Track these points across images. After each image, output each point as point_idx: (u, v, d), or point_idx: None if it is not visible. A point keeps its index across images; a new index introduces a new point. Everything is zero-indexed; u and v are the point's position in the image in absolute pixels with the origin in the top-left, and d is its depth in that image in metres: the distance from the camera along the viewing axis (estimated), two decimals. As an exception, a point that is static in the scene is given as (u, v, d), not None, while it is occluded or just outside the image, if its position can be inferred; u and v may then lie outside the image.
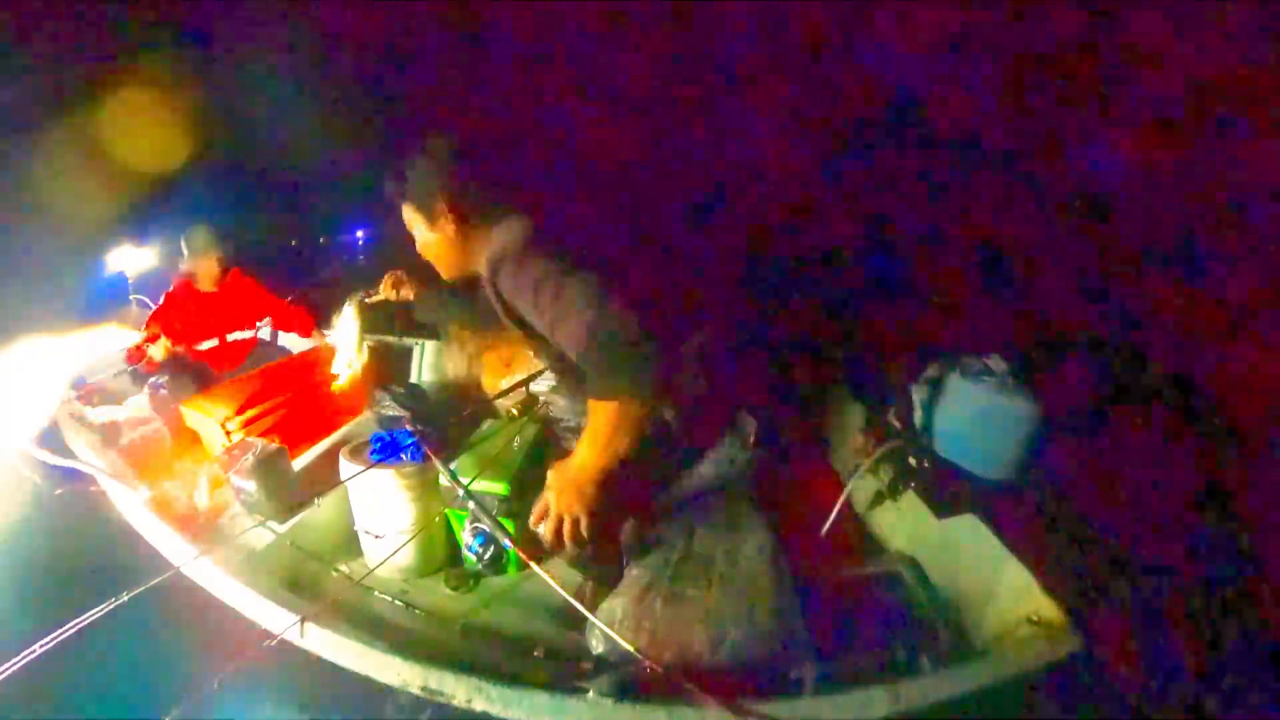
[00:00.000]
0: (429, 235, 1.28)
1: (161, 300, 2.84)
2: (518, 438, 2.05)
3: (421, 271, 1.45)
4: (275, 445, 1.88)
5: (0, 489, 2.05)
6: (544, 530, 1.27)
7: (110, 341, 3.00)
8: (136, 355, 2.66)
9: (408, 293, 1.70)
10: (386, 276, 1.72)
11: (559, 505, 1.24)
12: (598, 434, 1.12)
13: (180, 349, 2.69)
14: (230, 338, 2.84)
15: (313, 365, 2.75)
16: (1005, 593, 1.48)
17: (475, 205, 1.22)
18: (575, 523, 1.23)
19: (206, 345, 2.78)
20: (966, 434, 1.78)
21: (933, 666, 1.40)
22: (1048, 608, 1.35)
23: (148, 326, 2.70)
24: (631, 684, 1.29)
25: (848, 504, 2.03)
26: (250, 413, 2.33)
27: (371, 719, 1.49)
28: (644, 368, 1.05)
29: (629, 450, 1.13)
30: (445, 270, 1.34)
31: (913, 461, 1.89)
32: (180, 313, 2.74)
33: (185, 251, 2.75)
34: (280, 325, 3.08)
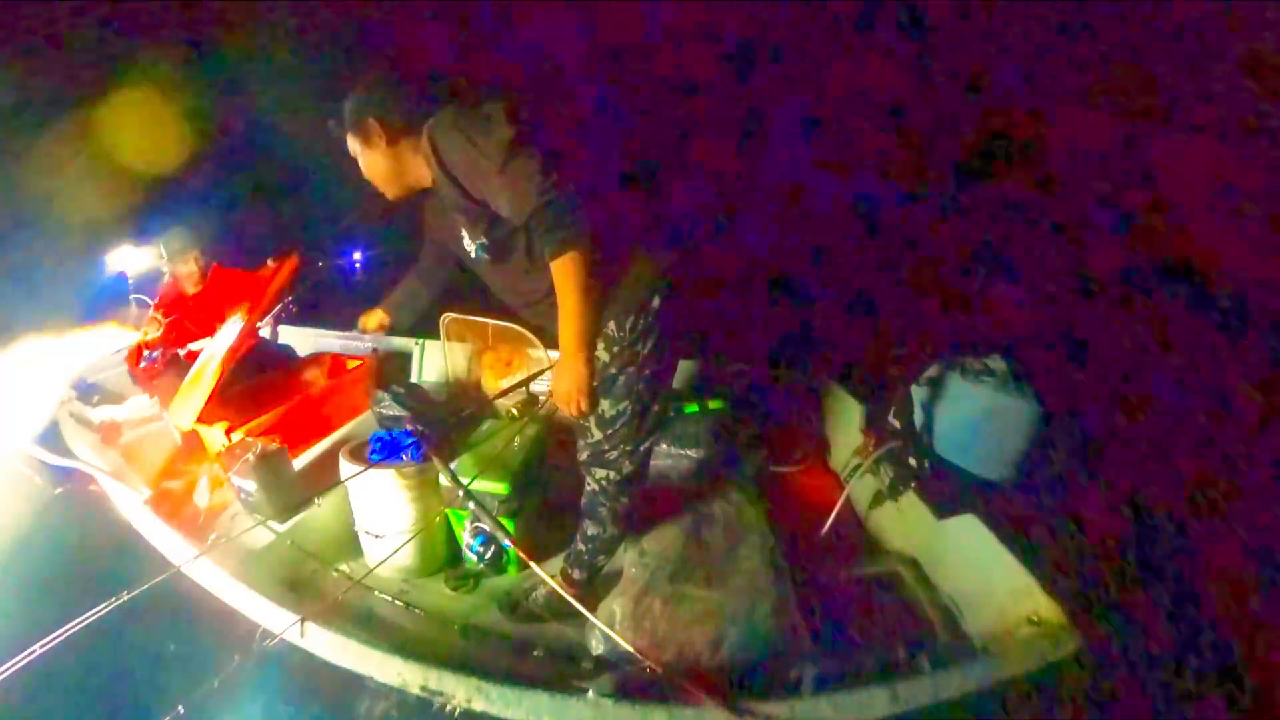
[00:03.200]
0: (368, 156, 1.41)
1: (153, 305, 2.83)
2: (518, 438, 2.05)
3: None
4: (275, 445, 1.88)
5: (0, 489, 2.05)
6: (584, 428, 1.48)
7: (110, 341, 3.00)
8: (135, 362, 2.66)
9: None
10: None
11: (562, 389, 1.36)
12: (565, 292, 1.27)
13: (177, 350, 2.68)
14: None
15: (313, 371, 2.75)
16: (1005, 593, 1.48)
17: (401, 117, 1.36)
18: (583, 399, 1.35)
19: (198, 345, 2.77)
20: (966, 434, 1.78)
21: (933, 666, 1.41)
22: (1048, 608, 1.35)
23: (149, 321, 2.68)
24: (631, 684, 1.30)
25: (848, 504, 2.03)
26: (252, 425, 2.31)
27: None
28: (580, 219, 1.22)
29: (593, 301, 1.28)
30: (387, 186, 1.45)
31: (913, 461, 1.89)
32: (170, 316, 2.74)
33: (164, 257, 2.75)
34: (275, 288, 2.97)
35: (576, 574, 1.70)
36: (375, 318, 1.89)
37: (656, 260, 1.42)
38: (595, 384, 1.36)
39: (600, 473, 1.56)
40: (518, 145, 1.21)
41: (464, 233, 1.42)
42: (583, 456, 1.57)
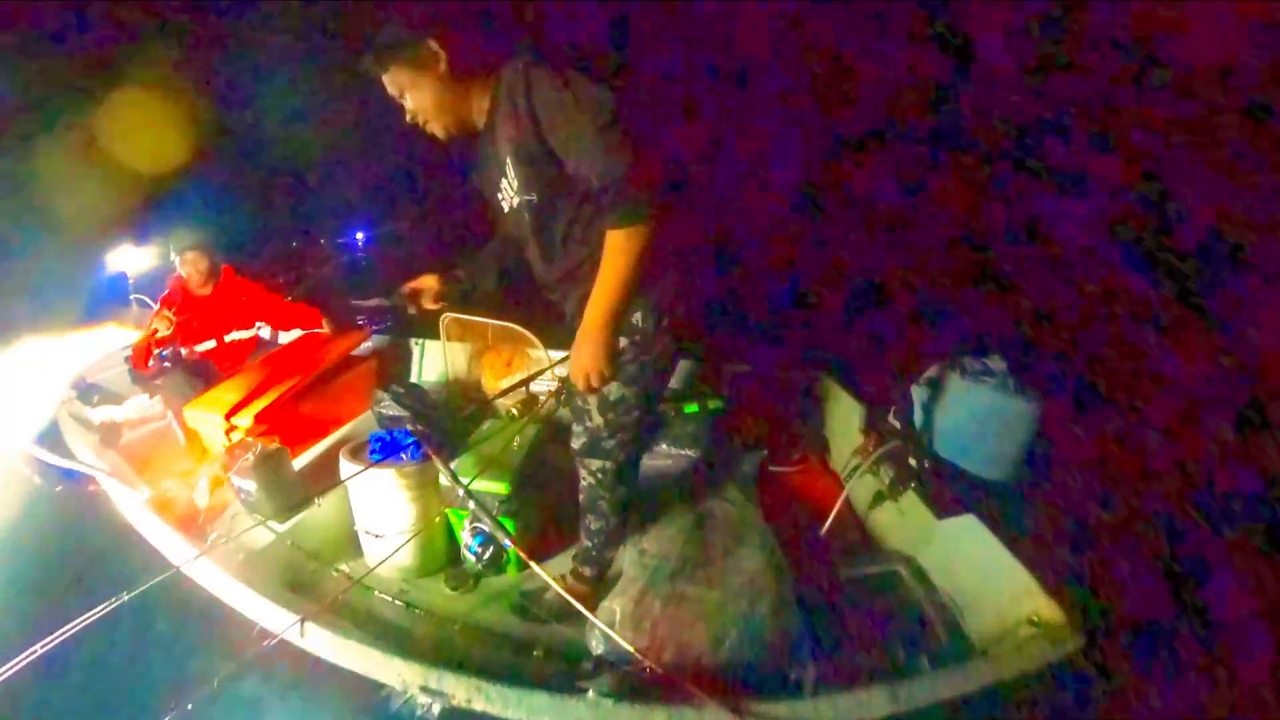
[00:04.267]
0: (421, 83, 1.28)
1: (158, 304, 2.82)
2: (518, 438, 2.05)
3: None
4: (275, 445, 1.88)
5: (0, 489, 2.05)
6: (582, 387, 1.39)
7: (110, 341, 3.00)
8: (142, 359, 2.65)
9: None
10: None
11: (580, 361, 1.34)
12: (613, 266, 1.22)
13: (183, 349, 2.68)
14: (228, 338, 2.84)
15: (311, 350, 2.73)
16: (1005, 593, 1.48)
17: (467, 48, 1.27)
18: (599, 373, 1.33)
19: (204, 347, 2.77)
20: (966, 434, 1.78)
21: (933, 666, 1.41)
22: (1048, 608, 1.35)
23: (154, 318, 2.65)
24: (631, 684, 1.30)
25: (848, 504, 2.03)
26: (254, 406, 2.31)
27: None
28: (655, 203, 1.17)
29: (632, 284, 1.24)
30: (440, 117, 1.33)
31: (913, 461, 1.89)
32: (176, 315, 2.72)
33: (174, 256, 2.73)
34: (281, 325, 3.05)
35: (588, 570, 1.70)
36: (430, 286, 1.61)
37: (686, 263, 1.40)
38: (612, 365, 1.34)
39: (595, 464, 1.55)
40: (620, 112, 1.17)
41: (512, 184, 1.34)
42: (578, 445, 1.56)
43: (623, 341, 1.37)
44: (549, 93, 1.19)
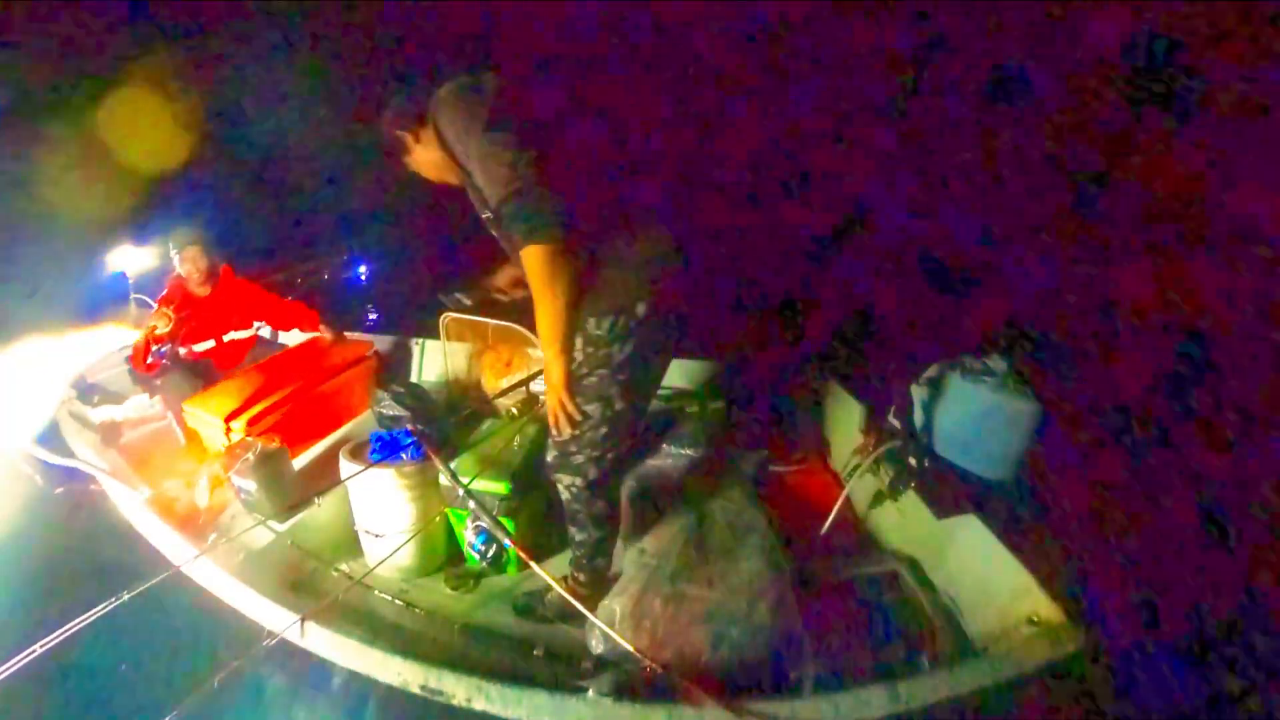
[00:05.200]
0: (413, 150, 1.44)
1: (157, 303, 2.81)
2: (518, 438, 2.05)
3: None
4: (275, 445, 1.88)
5: (0, 489, 2.05)
6: (557, 428, 1.46)
7: (110, 341, 3.00)
8: (141, 356, 2.64)
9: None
10: None
11: (550, 401, 1.42)
12: (533, 285, 1.28)
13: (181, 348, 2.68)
14: (227, 338, 2.83)
15: (313, 356, 2.74)
16: (1005, 593, 1.48)
17: (414, 118, 1.39)
18: (563, 405, 1.40)
19: (203, 347, 2.77)
20: (966, 434, 1.78)
21: (933, 666, 1.40)
22: (1048, 608, 1.35)
23: (158, 315, 2.64)
24: (631, 684, 1.30)
25: (848, 504, 2.03)
26: (252, 410, 2.32)
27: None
28: (548, 212, 1.22)
29: (563, 297, 1.28)
30: (428, 172, 1.48)
31: (913, 461, 1.89)
32: (180, 314, 2.72)
33: (173, 256, 2.72)
34: (279, 325, 3.05)
35: (582, 576, 1.69)
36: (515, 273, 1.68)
37: (649, 263, 1.37)
38: (567, 383, 1.37)
39: (566, 479, 1.53)
40: (494, 124, 1.21)
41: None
42: (549, 458, 1.54)
43: (578, 355, 1.38)
44: (447, 124, 1.29)
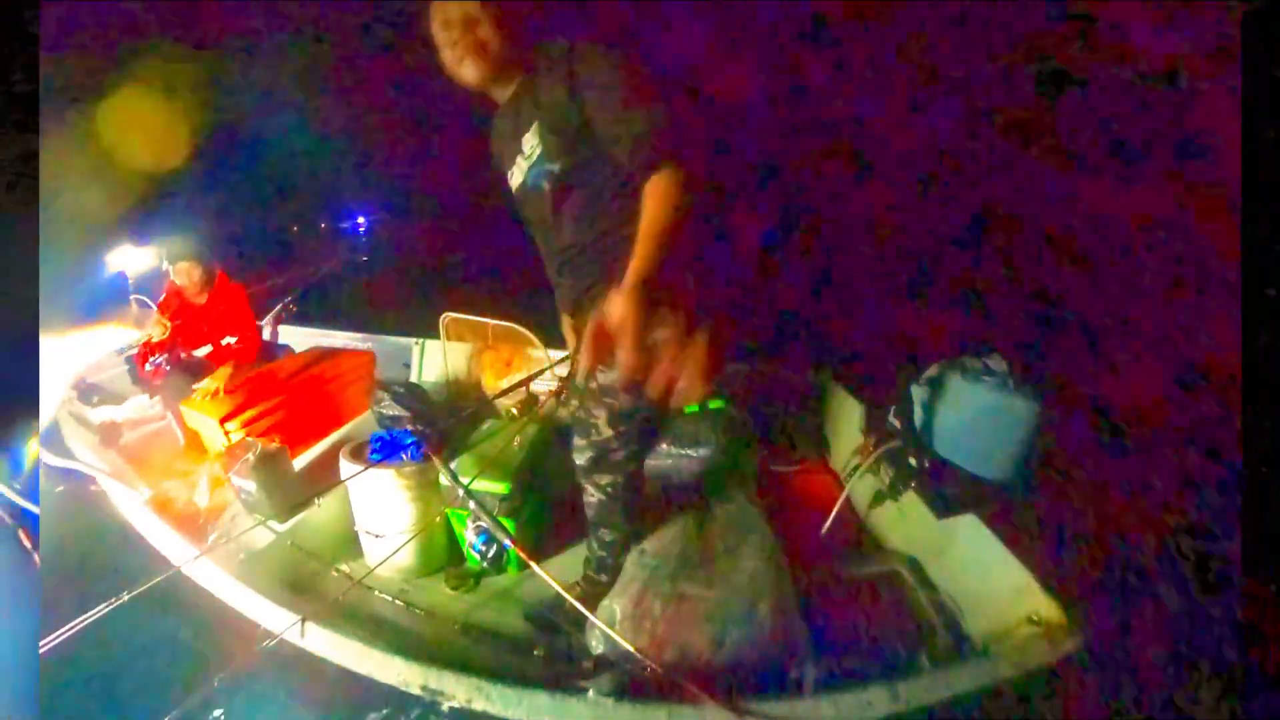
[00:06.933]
0: (503, 50, 1.28)
1: (155, 308, 2.82)
2: (518, 438, 2.05)
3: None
4: (275, 445, 1.88)
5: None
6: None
7: (110, 341, 3.00)
8: (143, 357, 2.66)
9: None
10: None
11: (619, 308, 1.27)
12: (655, 213, 1.07)
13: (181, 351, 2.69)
14: (224, 342, 2.83)
15: (312, 364, 2.75)
16: (1005, 593, 1.48)
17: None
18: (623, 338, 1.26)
19: (202, 352, 2.77)
20: (966, 434, 1.78)
21: (933, 666, 1.40)
22: (1048, 608, 1.35)
23: (154, 324, 2.67)
24: (631, 684, 1.30)
25: (848, 504, 2.03)
26: (250, 412, 2.33)
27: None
28: (691, 155, 1.10)
29: (675, 236, 1.06)
30: (488, 62, 1.30)
31: (913, 461, 1.89)
32: (171, 320, 2.73)
33: (166, 266, 2.72)
34: (239, 345, 2.85)
35: (604, 578, 1.67)
36: None
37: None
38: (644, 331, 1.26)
39: (605, 479, 1.49)
40: (660, 85, 1.13)
41: (531, 156, 1.31)
42: (583, 461, 1.49)
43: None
44: (594, 60, 1.19)
